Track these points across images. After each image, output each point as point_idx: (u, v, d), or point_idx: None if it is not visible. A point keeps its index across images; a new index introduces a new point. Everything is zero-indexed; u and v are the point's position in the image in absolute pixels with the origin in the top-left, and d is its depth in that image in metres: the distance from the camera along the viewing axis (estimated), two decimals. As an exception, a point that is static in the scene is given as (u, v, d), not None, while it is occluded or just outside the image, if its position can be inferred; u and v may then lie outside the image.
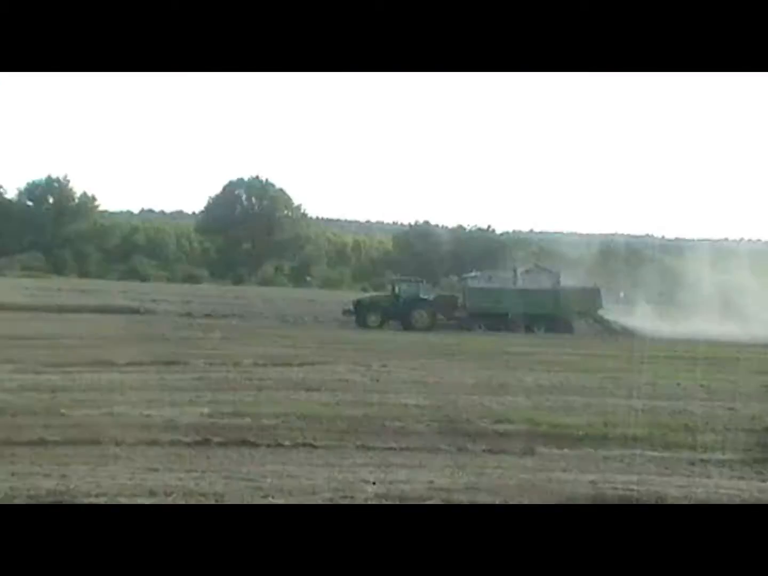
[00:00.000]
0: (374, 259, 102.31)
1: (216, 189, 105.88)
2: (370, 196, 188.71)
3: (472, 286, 48.66)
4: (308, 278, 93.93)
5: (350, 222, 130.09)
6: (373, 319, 45.96)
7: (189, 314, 48.45)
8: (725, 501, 10.90)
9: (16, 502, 10.23)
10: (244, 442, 14.16)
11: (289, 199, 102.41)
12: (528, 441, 14.86)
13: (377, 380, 22.19)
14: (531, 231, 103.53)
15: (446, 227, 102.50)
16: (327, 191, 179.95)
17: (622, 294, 50.47)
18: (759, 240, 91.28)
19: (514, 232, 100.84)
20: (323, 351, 29.96)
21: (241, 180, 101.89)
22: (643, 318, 44.24)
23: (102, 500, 10.39)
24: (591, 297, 46.62)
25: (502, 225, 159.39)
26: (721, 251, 58.57)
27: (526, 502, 10.87)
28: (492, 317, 45.07)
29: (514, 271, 49.25)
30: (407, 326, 45.16)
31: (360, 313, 46.64)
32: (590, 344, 36.95)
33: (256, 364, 24.58)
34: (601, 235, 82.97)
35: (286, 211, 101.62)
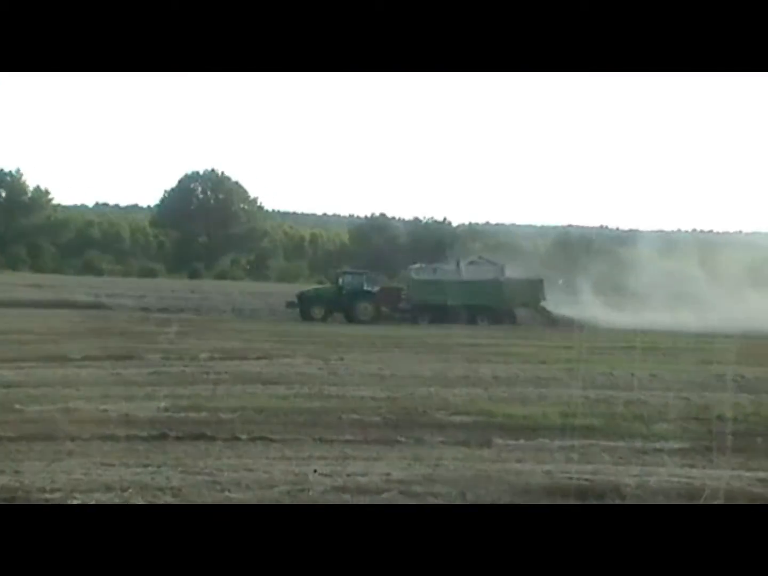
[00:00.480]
0: (331, 252, 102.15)
1: (171, 182, 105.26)
2: (326, 189, 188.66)
3: (415, 278, 48.73)
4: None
5: (306, 215, 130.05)
6: (316, 311, 45.93)
7: (145, 309, 48.20)
8: (677, 489, 11.01)
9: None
10: (201, 437, 14.14)
11: (245, 192, 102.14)
12: (484, 432, 14.94)
13: (334, 373, 22.23)
14: (487, 223, 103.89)
15: (402, 220, 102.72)
16: (283, 184, 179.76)
17: (561, 281, 50.73)
18: (711, 231, 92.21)
19: (470, 224, 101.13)
20: (280, 344, 29.95)
21: (196, 173, 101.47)
22: (592, 308, 44.47)
23: (57, 496, 10.35)
24: (534, 288, 46.85)
25: (457, 217, 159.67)
26: (674, 242, 59.05)
27: (482, 493, 10.93)
28: (436, 309, 45.08)
29: (458, 263, 49.33)
30: (351, 319, 45.20)
31: (303, 306, 46.59)
32: (545, 335, 37.13)
33: (213, 358, 24.53)
34: (556, 226, 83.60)
35: (242, 205, 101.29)
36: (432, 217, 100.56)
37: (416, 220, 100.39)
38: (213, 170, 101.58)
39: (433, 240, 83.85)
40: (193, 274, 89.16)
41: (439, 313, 44.46)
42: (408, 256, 73.46)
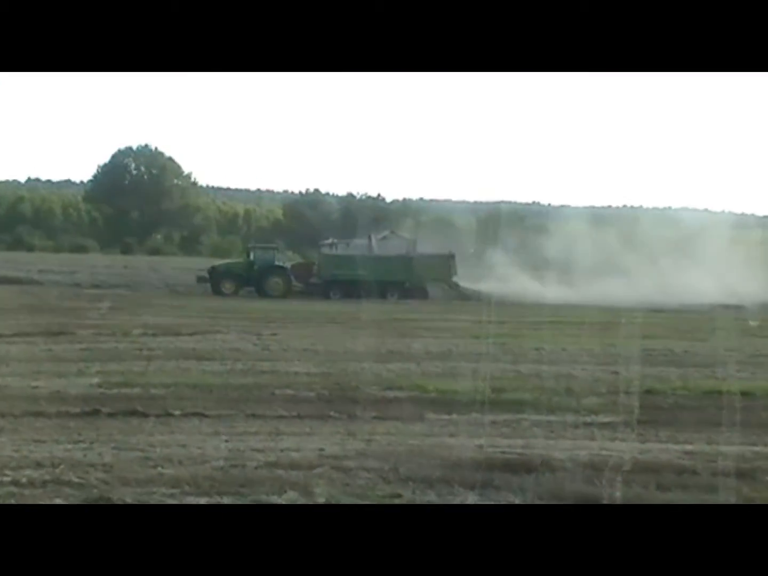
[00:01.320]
0: (265, 228, 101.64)
1: (104, 157, 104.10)
2: (260, 165, 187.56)
3: (325, 254, 48.91)
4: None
5: (240, 190, 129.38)
6: (227, 286, 45.96)
7: (77, 285, 47.74)
8: (608, 462, 11.14)
9: None
10: (134, 413, 14.06)
11: (178, 167, 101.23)
12: (417, 407, 15.02)
13: (268, 349, 22.24)
14: (421, 199, 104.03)
15: (336, 195, 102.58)
16: (217, 160, 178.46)
17: (472, 250, 51.16)
18: (640, 206, 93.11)
19: (404, 200, 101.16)
20: (214, 320, 29.86)
21: (129, 149, 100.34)
22: (519, 283, 44.79)
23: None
24: (445, 263, 47.18)
25: (391, 193, 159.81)
26: (604, 217, 59.60)
27: (415, 467, 11.01)
28: (346, 284, 45.09)
29: (370, 238, 49.46)
30: (262, 293, 45.23)
31: (214, 280, 46.52)
32: (478, 310, 37.33)
33: (146, 334, 24.41)
34: (488, 202, 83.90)
35: (175, 180, 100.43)
36: (366, 193, 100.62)
37: (350, 195, 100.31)
38: (146, 145, 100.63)
39: (366, 216, 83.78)
40: (126, 250, 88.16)
41: (350, 288, 44.42)
42: (342, 231, 73.45)
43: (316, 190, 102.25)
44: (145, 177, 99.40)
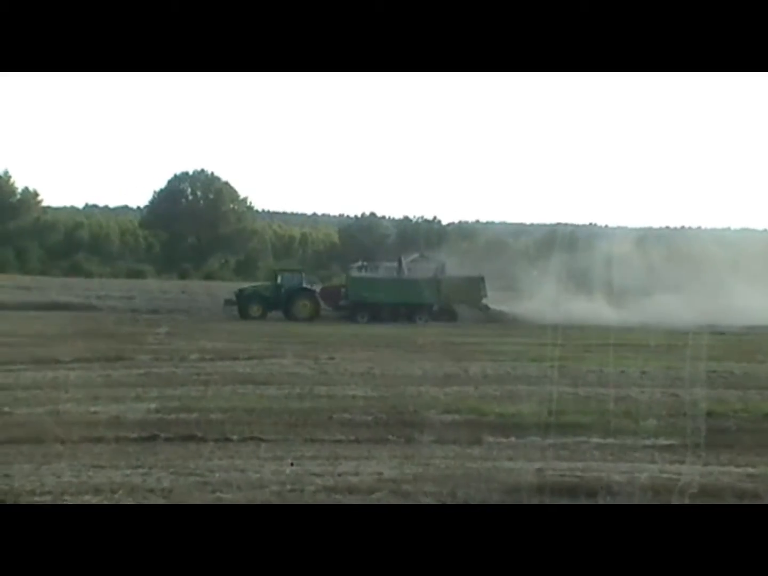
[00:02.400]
0: (321, 252, 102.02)
1: (161, 183, 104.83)
2: (317, 189, 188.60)
3: (353, 276, 48.96)
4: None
5: (296, 214, 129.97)
6: (254, 309, 46.06)
7: (134, 310, 48.04)
8: (667, 485, 11.01)
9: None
10: (192, 438, 14.14)
11: (234, 192, 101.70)
12: (475, 431, 14.96)
13: (325, 373, 22.24)
14: (477, 221, 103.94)
15: (392, 219, 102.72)
16: (273, 184, 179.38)
17: (535, 272, 50.98)
18: (698, 227, 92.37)
19: (459, 222, 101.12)
20: (270, 344, 29.95)
21: (186, 174, 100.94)
22: (574, 305, 44.44)
23: (46, 499, 10.34)
24: (474, 286, 47.04)
25: (447, 216, 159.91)
26: (662, 239, 59.05)
27: (473, 491, 10.94)
28: (373, 307, 45.43)
29: (400, 261, 49.46)
30: (289, 316, 45.33)
31: (242, 303, 46.70)
32: (534, 333, 37.12)
33: (203, 359, 24.51)
34: (545, 224, 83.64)
35: (231, 205, 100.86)
36: (422, 216, 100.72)
37: (406, 219, 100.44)
38: (203, 170, 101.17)
39: (422, 239, 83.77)
40: (183, 275, 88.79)
41: (377, 311, 44.85)
42: (398, 255, 73.56)
43: (372, 214, 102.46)
44: (201, 202, 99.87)
